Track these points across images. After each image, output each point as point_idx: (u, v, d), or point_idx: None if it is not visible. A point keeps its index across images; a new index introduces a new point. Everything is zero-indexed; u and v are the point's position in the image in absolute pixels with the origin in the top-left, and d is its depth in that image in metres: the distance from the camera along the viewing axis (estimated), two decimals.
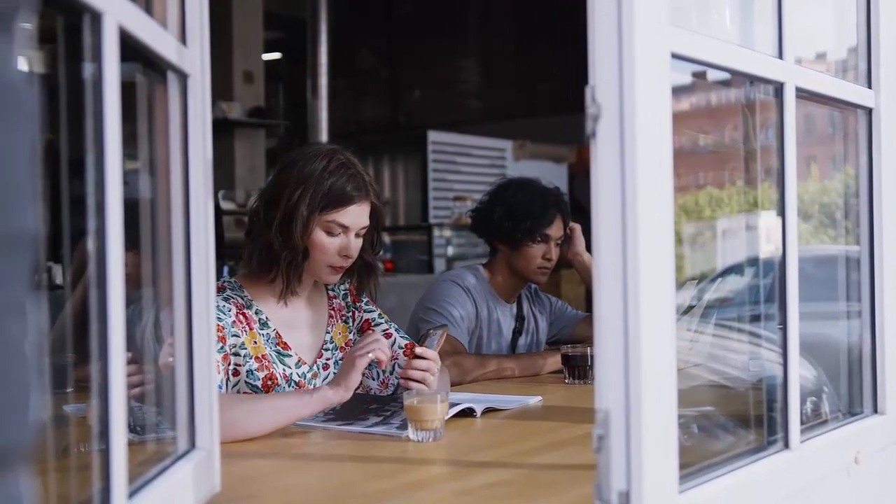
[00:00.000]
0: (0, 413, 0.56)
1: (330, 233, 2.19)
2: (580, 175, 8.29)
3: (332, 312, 2.38)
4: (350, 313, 2.41)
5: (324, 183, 2.15)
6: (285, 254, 2.17)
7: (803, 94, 1.57)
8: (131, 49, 1.09)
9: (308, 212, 2.15)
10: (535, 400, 2.36)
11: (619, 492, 1.16)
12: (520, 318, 3.13)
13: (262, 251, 2.20)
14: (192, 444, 1.36)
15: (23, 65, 0.61)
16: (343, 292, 2.42)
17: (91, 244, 0.99)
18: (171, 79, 1.32)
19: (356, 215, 2.21)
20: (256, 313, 2.23)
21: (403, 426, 1.91)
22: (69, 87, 1.02)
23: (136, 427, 1.36)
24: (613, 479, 1.16)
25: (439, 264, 7.36)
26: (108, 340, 0.99)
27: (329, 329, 2.35)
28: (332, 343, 2.35)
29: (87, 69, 0.99)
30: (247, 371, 2.15)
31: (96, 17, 0.98)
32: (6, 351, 0.56)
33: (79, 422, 1.43)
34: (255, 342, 2.19)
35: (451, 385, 2.63)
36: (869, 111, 1.80)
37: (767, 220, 1.83)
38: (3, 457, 0.56)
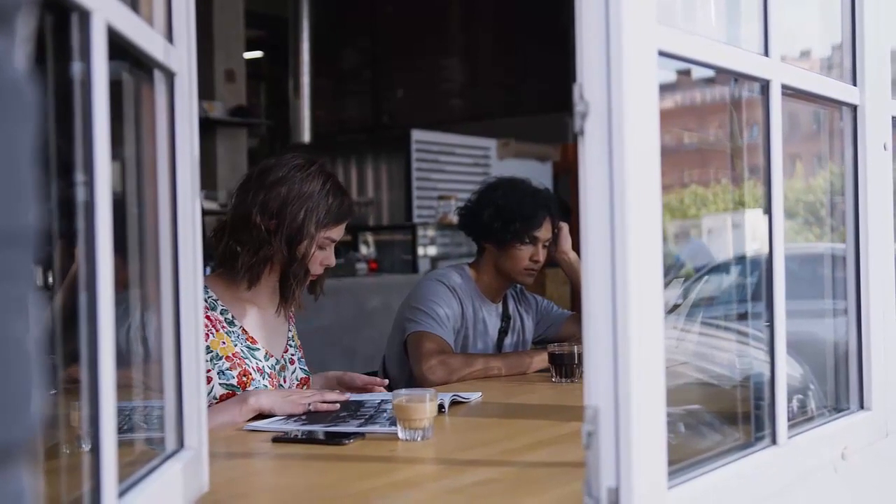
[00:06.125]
0: (4, 409, 0.56)
1: (322, 247, 2.30)
2: (564, 174, 8.30)
3: (291, 314, 2.47)
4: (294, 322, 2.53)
5: (326, 202, 2.26)
6: (294, 268, 2.26)
7: (789, 92, 1.57)
8: (117, 47, 1.08)
9: (315, 230, 2.25)
10: (475, 396, 2.36)
11: (609, 488, 1.16)
12: (506, 318, 3.13)
13: (261, 263, 2.26)
14: (181, 444, 1.35)
15: (23, 63, 0.61)
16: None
17: (79, 245, 0.98)
18: (158, 77, 1.31)
19: (343, 230, 2.34)
20: (222, 313, 2.28)
21: (393, 422, 1.91)
22: (56, 85, 1.01)
23: (121, 426, 1.35)
24: (603, 475, 1.16)
25: (423, 264, 7.35)
26: (97, 342, 0.98)
27: (290, 327, 2.45)
28: (293, 341, 2.45)
29: (75, 67, 0.99)
30: (218, 373, 2.19)
31: (84, 16, 0.97)
32: (9, 347, 0.56)
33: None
34: (224, 342, 2.24)
35: (439, 384, 2.64)
36: (854, 108, 1.81)
37: (752, 219, 1.84)
38: (8, 452, 0.56)
